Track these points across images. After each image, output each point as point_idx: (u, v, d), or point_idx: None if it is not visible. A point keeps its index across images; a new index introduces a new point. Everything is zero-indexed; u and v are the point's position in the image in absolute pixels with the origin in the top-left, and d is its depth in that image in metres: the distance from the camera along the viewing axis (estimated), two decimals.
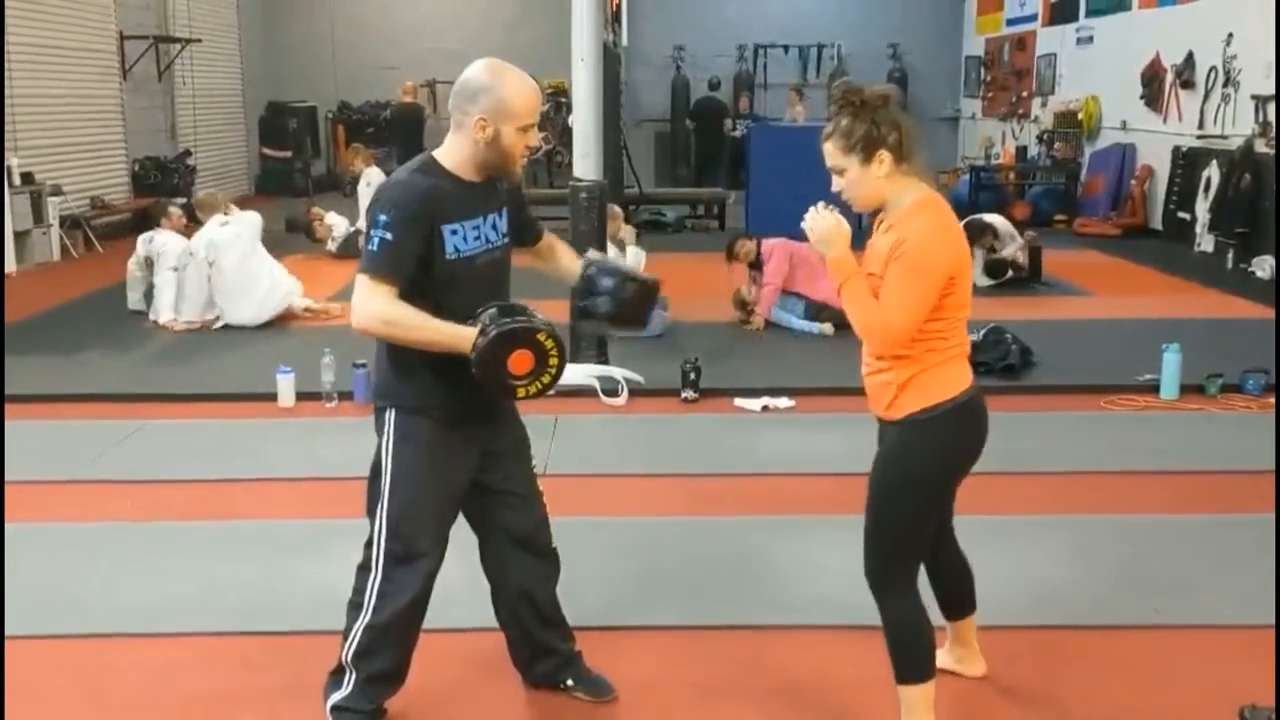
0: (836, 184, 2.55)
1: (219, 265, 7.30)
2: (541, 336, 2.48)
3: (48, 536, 4.08)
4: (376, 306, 2.49)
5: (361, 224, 10.19)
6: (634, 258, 7.03)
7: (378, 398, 2.72)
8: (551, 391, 2.57)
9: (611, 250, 6.87)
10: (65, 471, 4.76)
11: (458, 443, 2.66)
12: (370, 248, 2.51)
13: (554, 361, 2.50)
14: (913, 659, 2.65)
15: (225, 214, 7.69)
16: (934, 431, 2.54)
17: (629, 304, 2.74)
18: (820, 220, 2.55)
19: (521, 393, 2.51)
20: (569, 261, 2.90)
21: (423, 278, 2.53)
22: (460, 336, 2.48)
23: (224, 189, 15.57)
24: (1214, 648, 3.25)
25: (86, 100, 11.94)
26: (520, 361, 2.47)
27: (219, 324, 7.38)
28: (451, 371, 2.55)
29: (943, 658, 2.94)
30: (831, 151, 2.52)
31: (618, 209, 7.64)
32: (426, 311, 2.50)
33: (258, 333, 7.32)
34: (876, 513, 2.62)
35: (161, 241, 7.57)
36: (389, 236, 2.49)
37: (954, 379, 2.56)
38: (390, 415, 2.67)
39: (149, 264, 7.62)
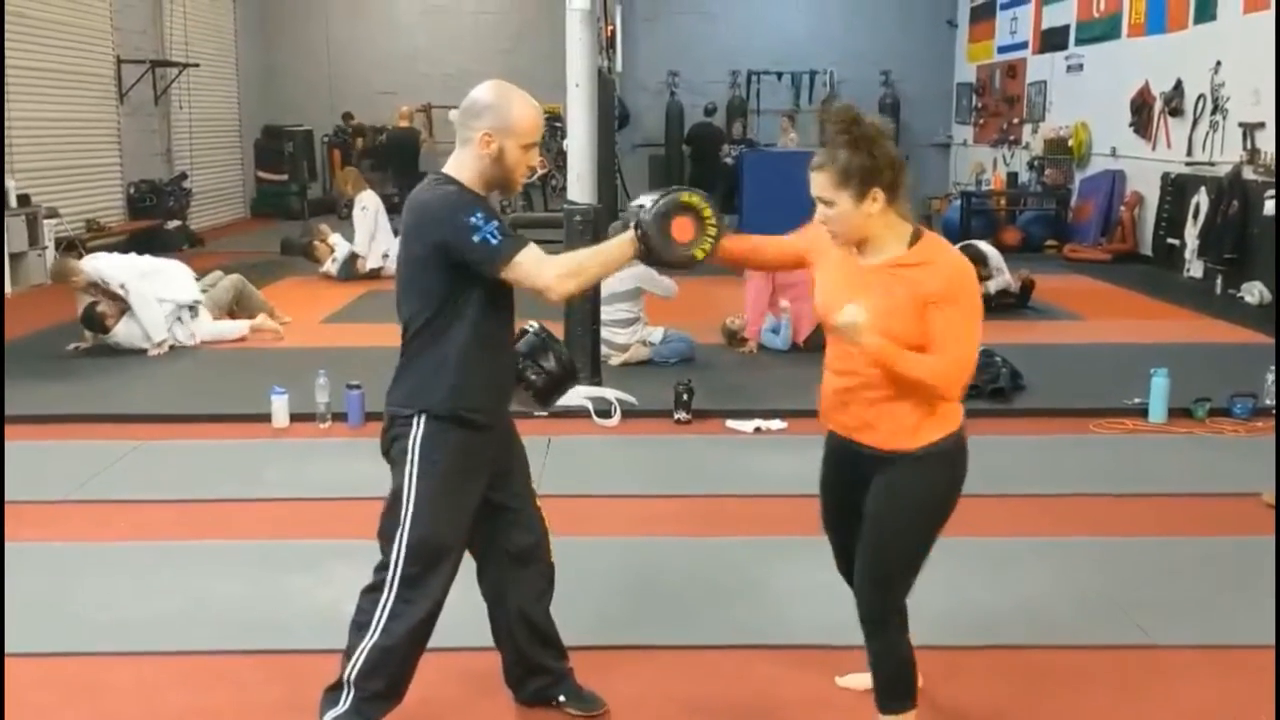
0: (822, 214, 2.46)
1: (131, 285, 7.24)
2: (685, 198, 2.62)
3: (43, 556, 4.10)
4: (550, 268, 2.59)
5: (358, 248, 10.23)
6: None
7: (403, 405, 2.68)
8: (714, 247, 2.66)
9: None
10: (60, 491, 4.77)
11: (479, 464, 2.70)
12: (491, 240, 2.54)
13: (708, 214, 2.62)
14: (903, 690, 2.64)
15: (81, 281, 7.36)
16: (951, 460, 2.50)
17: (552, 390, 2.86)
18: (850, 316, 2.38)
19: (699, 254, 2.64)
20: None
21: (460, 283, 2.59)
22: (624, 243, 2.65)
23: (219, 212, 15.72)
24: (1198, 668, 3.28)
25: (83, 123, 12.01)
26: (681, 229, 2.61)
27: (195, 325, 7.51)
28: (481, 368, 2.64)
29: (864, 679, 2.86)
30: (823, 183, 2.41)
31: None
32: (458, 323, 2.60)
33: (251, 353, 7.35)
34: (889, 551, 2.53)
35: (126, 334, 7.26)
36: (495, 224, 2.56)
37: (953, 414, 2.52)
38: (419, 423, 2.65)
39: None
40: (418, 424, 2.66)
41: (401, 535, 2.67)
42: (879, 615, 2.58)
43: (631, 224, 2.65)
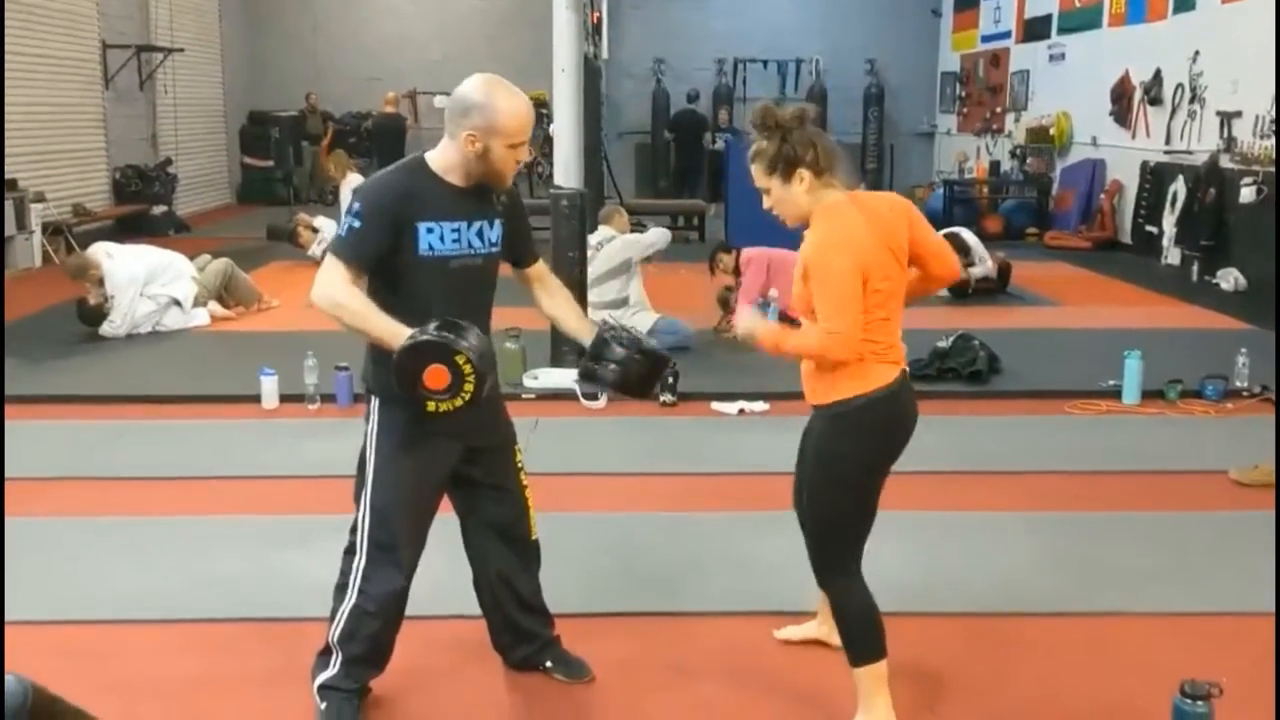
0: (766, 202, 2.72)
1: (119, 297, 7.34)
2: (461, 359, 2.47)
3: (39, 530, 4.17)
4: (331, 287, 2.60)
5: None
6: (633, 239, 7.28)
7: (363, 380, 2.85)
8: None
9: (615, 238, 7.16)
10: (54, 469, 4.85)
11: (437, 436, 2.75)
12: (340, 231, 2.67)
13: (469, 388, 2.50)
14: (864, 641, 2.78)
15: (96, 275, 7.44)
16: (851, 423, 2.67)
17: (634, 378, 2.77)
18: (743, 321, 2.85)
19: (431, 407, 2.51)
20: (574, 319, 2.97)
21: (390, 270, 2.64)
22: (393, 335, 2.53)
23: (206, 198, 15.71)
24: (1161, 633, 3.41)
25: (69, 109, 12.01)
26: (435, 376, 2.48)
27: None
28: None
29: (816, 628, 3.24)
30: (756, 174, 2.68)
31: (623, 209, 8.01)
32: (392, 304, 2.60)
33: (240, 336, 7.42)
34: (811, 505, 2.77)
35: (119, 315, 7.36)
36: (356, 224, 2.62)
37: (871, 376, 2.67)
38: (374, 403, 2.79)
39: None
40: (373, 400, 2.79)
41: (365, 500, 2.78)
42: (818, 567, 2.82)
43: (412, 332, 2.51)
